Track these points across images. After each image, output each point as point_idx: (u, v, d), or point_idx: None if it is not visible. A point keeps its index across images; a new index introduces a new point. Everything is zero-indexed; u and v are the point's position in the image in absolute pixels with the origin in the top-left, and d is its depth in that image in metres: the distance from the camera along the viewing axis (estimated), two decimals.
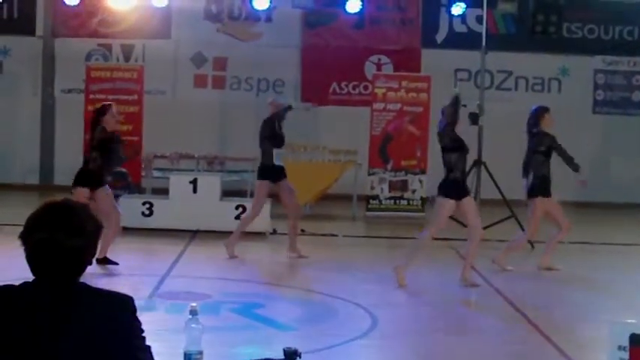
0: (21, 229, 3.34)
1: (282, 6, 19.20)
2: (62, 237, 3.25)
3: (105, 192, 11.85)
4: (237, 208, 15.07)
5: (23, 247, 3.30)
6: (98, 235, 3.39)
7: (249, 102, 20.94)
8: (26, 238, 3.30)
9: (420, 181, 17.92)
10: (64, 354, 3.20)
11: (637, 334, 4.07)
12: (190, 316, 4.55)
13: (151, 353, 3.38)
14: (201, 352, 4.49)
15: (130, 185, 17.30)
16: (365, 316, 9.66)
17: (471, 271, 11.60)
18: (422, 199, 17.88)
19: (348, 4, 18.17)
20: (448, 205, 11.34)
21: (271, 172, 12.96)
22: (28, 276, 3.33)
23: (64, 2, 18.11)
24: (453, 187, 11.33)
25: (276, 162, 12.94)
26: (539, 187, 12.58)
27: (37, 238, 3.27)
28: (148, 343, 3.39)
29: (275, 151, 12.93)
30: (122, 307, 3.33)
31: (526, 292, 11.47)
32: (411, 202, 18.06)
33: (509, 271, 12.53)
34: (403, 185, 18.10)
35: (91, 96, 17.38)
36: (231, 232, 13.23)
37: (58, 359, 3.20)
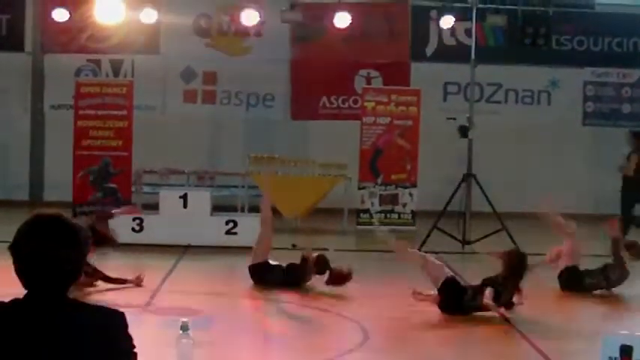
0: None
1: (271, 21, 19.20)
2: (52, 248, 3.24)
3: None
4: (227, 223, 15.04)
5: (12, 259, 3.29)
6: (87, 246, 3.39)
7: (239, 116, 20.95)
8: (16, 249, 3.29)
9: (411, 195, 17.91)
10: None
11: (627, 345, 4.07)
12: (181, 331, 4.55)
13: None
14: None
15: (119, 201, 17.28)
16: (357, 329, 9.64)
17: None
18: (412, 212, 17.88)
19: (336, 18, 18.18)
20: None
21: None
22: (19, 292, 3.32)
23: (53, 18, 18.09)
24: None
25: None
26: None
27: (27, 249, 3.26)
28: (139, 358, 3.38)
29: None
30: (114, 323, 3.32)
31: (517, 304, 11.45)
32: (401, 215, 18.06)
33: None
34: (394, 199, 18.10)
35: (81, 111, 17.39)
36: (221, 247, 13.21)
37: None
